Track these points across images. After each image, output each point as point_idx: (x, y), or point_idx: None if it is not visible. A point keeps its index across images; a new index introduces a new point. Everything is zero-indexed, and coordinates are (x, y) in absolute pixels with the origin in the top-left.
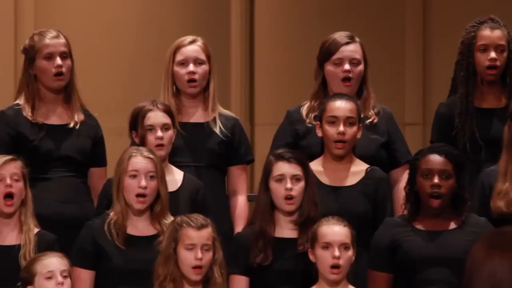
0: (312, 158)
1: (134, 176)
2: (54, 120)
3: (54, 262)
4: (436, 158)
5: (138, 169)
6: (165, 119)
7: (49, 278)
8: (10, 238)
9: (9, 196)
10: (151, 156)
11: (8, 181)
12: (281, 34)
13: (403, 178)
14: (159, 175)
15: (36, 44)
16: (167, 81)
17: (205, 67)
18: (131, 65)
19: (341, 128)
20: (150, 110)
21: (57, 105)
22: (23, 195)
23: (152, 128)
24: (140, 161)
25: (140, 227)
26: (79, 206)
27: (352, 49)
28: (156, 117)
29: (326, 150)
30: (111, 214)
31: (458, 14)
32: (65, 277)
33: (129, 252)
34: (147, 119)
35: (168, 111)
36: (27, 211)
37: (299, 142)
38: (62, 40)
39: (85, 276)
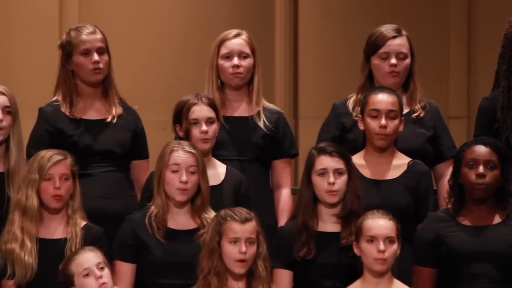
0: (359, 151)
1: (175, 171)
2: (92, 115)
3: (87, 258)
4: (481, 149)
5: (179, 163)
6: (210, 113)
7: (87, 275)
8: (58, 231)
9: (57, 195)
10: (192, 150)
11: (57, 183)
12: (325, 27)
13: (448, 172)
14: (200, 170)
15: (73, 40)
16: (211, 74)
17: (249, 61)
18: (176, 58)
19: (383, 121)
20: (195, 104)
21: (95, 100)
22: (71, 190)
23: (196, 122)
24: (181, 155)
25: (180, 220)
26: (121, 201)
27: (399, 43)
28: (201, 111)
29: (368, 143)
30: (152, 207)
31: (503, 6)
32: (102, 268)
33: (169, 246)
34: (191, 113)
35: (212, 105)
36: (75, 204)
37: (345, 136)
38: (98, 35)
39: (126, 269)
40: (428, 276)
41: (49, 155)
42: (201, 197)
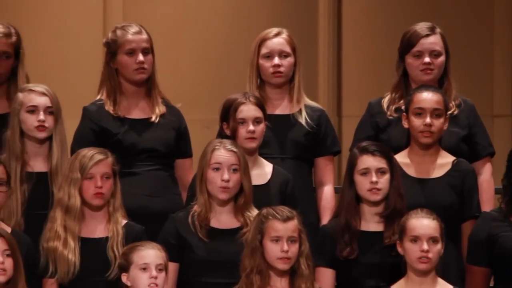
0: (393, 151)
1: (217, 169)
2: (136, 114)
3: (151, 255)
4: None
5: (221, 162)
6: (257, 113)
7: (144, 269)
8: (99, 230)
9: (98, 193)
10: (234, 149)
11: (99, 182)
12: (369, 25)
13: (484, 171)
14: (242, 168)
15: (118, 39)
16: (252, 73)
17: (290, 60)
18: (220, 57)
19: (428, 119)
20: (243, 103)
21: (138, 99)
22: (112, 189)
23: (244, 121)
24: (223, 154)
25: (223, 219)
26: (165, 200)
27: (432, 41)
28: (249, 110)
29: (413, 142)
30: (195, 206)
31: None
32: (160, 270)
33: (212, 244)
34: (239, 112)
35: (260, 105)
36: (116, 203)
37: (379, 135)
38: (144, 36)
39: (170, 268)
40: (481, 275)
41: (90, 154)
42: (244, 195)
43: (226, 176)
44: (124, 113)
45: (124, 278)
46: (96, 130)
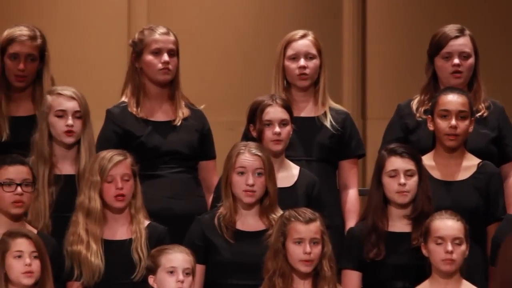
0: (422, 152)
1: (242, 173)
2: (159, 116)
3: (178, 258)
4: None
5: (246, 166)
6: (283, 115)
7: (171, 273)
8: (122, 232)
9: (119, 195)
10: (258, 153)
11: (119, 184)
12: (393, 27)
13: None
14: (267, 172)
15: (145, 38)
16: (278, 75)
17: (316, 62)
18: (244, 59)
19: (453, 121)
20: (269, 105)
21: (162, 102)
22: (132, 190)
23: (270, 123)
24: (247, 158)
25: (249, 222)
26: (189, 202)
27: (462, 43)
28: (275, 112)
29: (438, 144)
30: (221, 209)
31: None
32: (187, 274)
33: (238, 246)
34: (265, 114)
35: (286, 107)
36: (137, 204)
37: (409, 137)
38: (171, 37)
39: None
40: None
41: (109, 156)
42: (269, 198)
43: (250, 181)
44: (147, 115)
45: (151, 280)
46: (119, 132)
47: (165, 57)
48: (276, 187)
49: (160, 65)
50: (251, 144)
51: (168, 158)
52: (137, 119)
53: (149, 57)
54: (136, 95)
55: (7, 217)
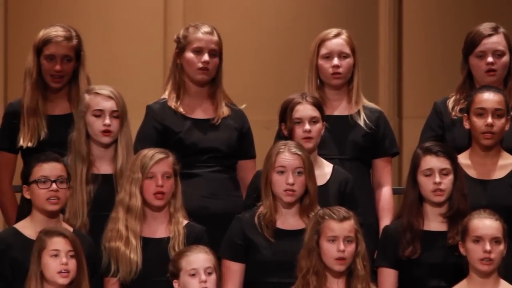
0: (457, 151)
1: (282, 172)
2: (199, 114)
3: (198, 259)
4: None
5: (285, 165)
6: (314, 112)
7: (193, 275)
8: (160, 230)
9: (159, 192)
10: (298, 152)
11: (160, 181)
12: (430, 25)
13: None
14: (307, 170)
15: (189, 35)
16: (311, 74)
17: (349, 61)
18: (280, 58)
19: (489, 120)
20: (299, 103)
21: (201, 100)
22: (173, 189)
23: (300, 121)
24: (287, 157)
25: (289, 221)
26: (225, 201)
27: (495, 41)
28: (305, 110)
29: (474, 143)
30: (261, 208)
31: None
32: (209, 273)
33: (278, 245)
34: (295, 111)
35: (317, 104)
36: (177, 203)
37: (445, 135)
38: (215, 37)
39: (235, 268)
40: None
41: (151, 153)
42: (309, 196)
43: (290, 180)
44: (187, 112)
45: (175, 284)
46: (158, 128)
47: (206, 56)
48: (316, 185)
49: (199, 64)
50: (291, 143)
51: (206, 157)
52: (176, 115)
53: (190, 55)
54: (176, 91)
55: (43, 214)
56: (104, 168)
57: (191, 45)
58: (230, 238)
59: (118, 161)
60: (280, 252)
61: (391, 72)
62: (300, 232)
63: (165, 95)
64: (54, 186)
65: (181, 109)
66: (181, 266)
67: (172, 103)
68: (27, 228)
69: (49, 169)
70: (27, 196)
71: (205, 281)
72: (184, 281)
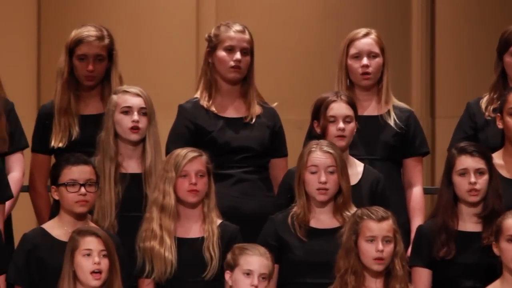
0: (490, 151)
1: (314, 172)
2: (231, 113)
3: (257, 262)
4: None
5: (317, 164)
6: (348, 111)
7: (247, 275)
8: (194, 230)
9: (193, 190)
10: (330, 150)
11: (193, 179)
12: (463, 25)
13: None
14: (340, 169)
15: (220, 34)
16: (341, 74)
17: (378, 60)
18: (312, 58)
19: None
20: (334, 101)
21: (234, 99)
22: (206, 188)
23: (334, 119)
24: (319, 156)
25: (323, 219)
26: (258, 201)
27: None
28: (339, 108)
29: (507, 142)
30: (295, 208)
31: None
32: (263, 279)
33: (312, 245)
34: (330, 109)
35: (351, 103)
36: (210, 203)
37: (477, 135)
38: (246, 36)
39: None
40: None
41: (184, 152)
42: (342, 195)
43: (323, 178)
44: (219, 111)
45: (227, 275)
46: (191, 128)
47: (238, 55)
48: (349, 184)
49: (231, 63)
50: (323, 142)
51: (239, 156)
52: (208, 114)
53: (222, 54)
54: (208, 90)
55: (71, 216)
56: (132, 167)
57: (223, 43)
58: (264, 239)
59: (147, 160)
60: (314, 253)
61: (424, 72)
62: (334, 231)
63: (197, 94)
64: (82, 190)
65: (213, 108)
66: (239, 262)
67: (204, 102)
68: (55, 228)
69: (78, 172)
70: (56, 197)
71: (256, 286)
72: (237, 277)
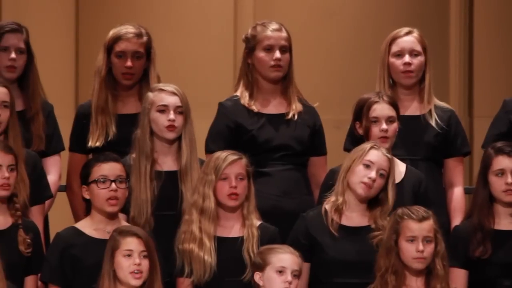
0: None
1: (368, 166)
2: (271, 110)
3: (289, 259)
4: None
5: (375, 162)
6: (391, 112)
7: (280, 272)
8: (234, 231)
9: (233, 194)
10: (389, 156)
11: (233, 182)
12: (501, 23)
13: None
14: (391, 177)
15: (257, 35)
16: (382, 72)
17: (420, 59)
18: (349, 57)
19: None
20: (376, 102)
21: (274, 96)
22: (246, 191)
23: (377, 120)
24: (379, 155)
25: (354, 217)
26: (298, 200)
27: None
28: (382, 109)
29: None
30: (325, 205)
31: None
32: (295, 276)
33: (344, 244)
34: (372, 110)
35: (393, 104)
36: (250, 205)
37: None
38: (284, 34)
39: None
40: None
41: (224, 155)
42: (385, 206)
43: (373, 175)
44: (260, 109)
45: (256, 277)
46: (231, 126)
47: (277, 54)
48: (394, 194)
49: (272, 62)
50: (383, 148)
51: (278, 155)
52: (249, 113)
53: (261, 54)
54: (249, 90)
55: (102, 215)
56: (167, 165)
57: (261, 43)
58: (295, 237)
59: (183, 158)
60: (345, 251)
61: (462, 71)
62: (364, 229)
63: (237, 93)
64: (113, 185)
65: (254, 107)
66: (270, 261)
67: (246, 103)
68: (87, 227)
69: (108, 168)
70: (87, 196)
71: (290, 282)
72: (269, 276)
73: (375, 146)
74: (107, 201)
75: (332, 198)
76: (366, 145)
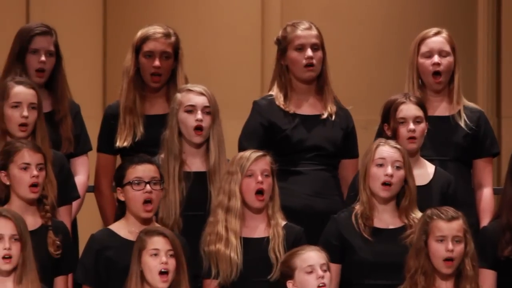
0: None
1: (381, 165)
2: (306, 110)
3: (313, 256)
4: None
5: (385, 157)
6: (418, 112)
7: (310, 272)
8: (259, 231)
9: (259, 192)
10: (398, 146)
11: (260, 177)
12: None
13: None
14: (407, 166)
15: (288, 35)
16: (411, 73)
17: (449, 59)
18: (377, 58)
19: None
20: (403, 102)
21: (309, 96)
22: (271, 190)
23: (404, 121)
24: (387, 149)
25: (386, 219)
26: (328, 200)
27: None
28: (409, 109)
29: None
30: (357, 207)
31: None
32: (324, 270)
33: (376, 245)
34: (399, 111)
35: (421, 104)
36: (275, 205)
37: None
38: (314, 32)
39: (332, 269)
40: None
41: (248, 153)
42: (409, 195)
43: (389, 171)
44: (294, 109)
45: (289, 285)
46: (265, 124)
47: (309, 52)
48: (414, 183)
49: (304, 61)
50: (391, 140)
51: (311, 154)
52: (284, 112)
53: (293, 54)
54: (283, 91)
55: (137, 220)
56: (196, 166)
57: (293, 43)
58: (326, 239)
59: (211, 159)
60: (378, 253)
61: (490, 71)
62: (397, 231)
63: (272, 92)
64: (148, 187)
65: (288, 108)
66: (296, 265)
67: (281, 103)
68: (121, 229)
69: (143, 170)
70: (121, 199)
71: (322, 277)
72: (301, 279)
73: (381, 143)
74: (143, 207)
75: (360, 208)
76: (372, 146)
